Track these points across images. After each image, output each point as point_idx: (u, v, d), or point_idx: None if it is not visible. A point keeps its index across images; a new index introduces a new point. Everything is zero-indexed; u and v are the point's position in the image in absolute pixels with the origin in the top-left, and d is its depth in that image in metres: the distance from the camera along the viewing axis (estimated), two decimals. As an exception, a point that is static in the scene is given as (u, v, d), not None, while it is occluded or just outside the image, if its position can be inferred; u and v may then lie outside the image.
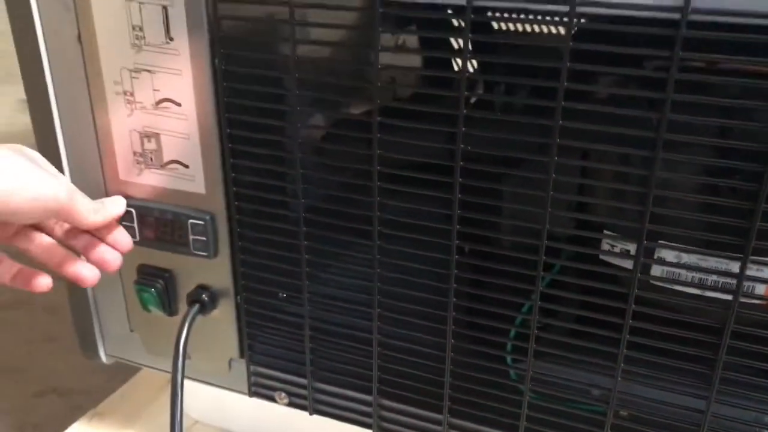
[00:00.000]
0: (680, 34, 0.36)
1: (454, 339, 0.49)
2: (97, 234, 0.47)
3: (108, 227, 0.47)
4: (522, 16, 0.56)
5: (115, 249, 0.47)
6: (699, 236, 0.44)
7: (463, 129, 0.43)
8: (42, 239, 0.46)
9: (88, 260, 0.47)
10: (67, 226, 0.46)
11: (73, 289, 0.61)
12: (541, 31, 0.59)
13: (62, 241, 0.46)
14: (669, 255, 0.46)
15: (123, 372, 0.82)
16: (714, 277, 0.45)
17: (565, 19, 0.38)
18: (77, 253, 0.47)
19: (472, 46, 0.41)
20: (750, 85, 0.37)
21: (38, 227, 0.46)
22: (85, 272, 0.46)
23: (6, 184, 0.39)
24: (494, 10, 0.40)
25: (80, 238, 0.46)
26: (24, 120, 0.54)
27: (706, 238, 0.43)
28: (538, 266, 0.44)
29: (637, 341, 0.44)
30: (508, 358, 0.49)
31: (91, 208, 0.44)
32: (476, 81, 0.52)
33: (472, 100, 0.47)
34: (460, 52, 0.41)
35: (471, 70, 0.42)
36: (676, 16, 0.36)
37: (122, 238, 0.48)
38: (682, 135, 0.39)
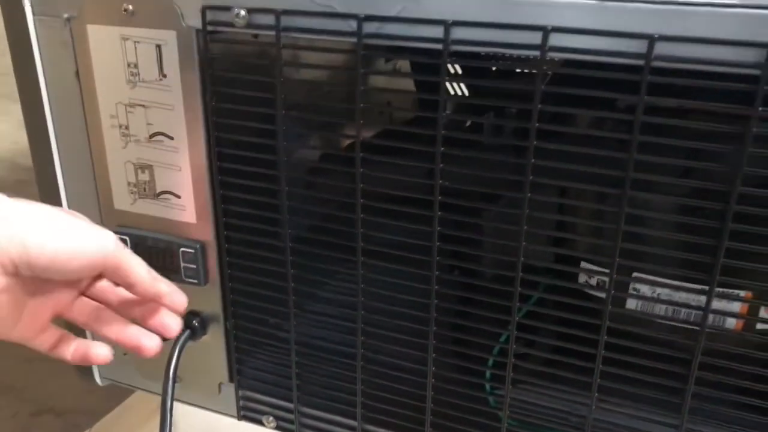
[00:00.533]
0: (644, 79, 0.38)
1: (436, 366, 0.51)
2: (155, 298, 0.43)
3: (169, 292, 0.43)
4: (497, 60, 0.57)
5: (173, 310, 0.44)
6: (669, 271, 0.45)
7: (441, 165, 0.45)
8: (85, 303, 0.43)
9: (147, 326, 0.43)
10: (123, 293, 0.43)
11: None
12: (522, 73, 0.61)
13: (118, 309, 0.43)
14: (643, 288, 0.48)
15: (120, 393, 0.84)
16: (686, 310, 0.46)
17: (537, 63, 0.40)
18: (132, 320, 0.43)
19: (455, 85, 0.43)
20: (713, 128, 0.39)
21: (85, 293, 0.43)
22: (147, 342, 0.42)
23: (45, 238, 0.37)
24: (470, 54, 0.42)
25: (137, 304, 0.43)
26: (28, 139, 0.56)
27: (675, 272, 0.45)
28: (514, 297, 0.46)
29: (611, 371, 0.46)
30: (487, 386, 0.51)
31: (144, 264, 0.41)
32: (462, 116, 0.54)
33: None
34: (437, 91, 0.43)
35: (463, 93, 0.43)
36: (641, 62, 0.38)
37: (179, 298, 0.43)
38: (648, 174, 0.40)
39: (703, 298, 0.43)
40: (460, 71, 0.58)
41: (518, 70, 0.62)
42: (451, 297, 0.50)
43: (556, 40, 0.39)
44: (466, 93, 0.66)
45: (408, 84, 0.64)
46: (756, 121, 0.37)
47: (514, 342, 0.47)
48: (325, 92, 0.54)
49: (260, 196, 0.51)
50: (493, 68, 0.61)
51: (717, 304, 0.46)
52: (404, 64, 0.67)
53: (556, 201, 0.48)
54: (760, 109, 0.36)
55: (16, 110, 0.56)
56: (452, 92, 0.70)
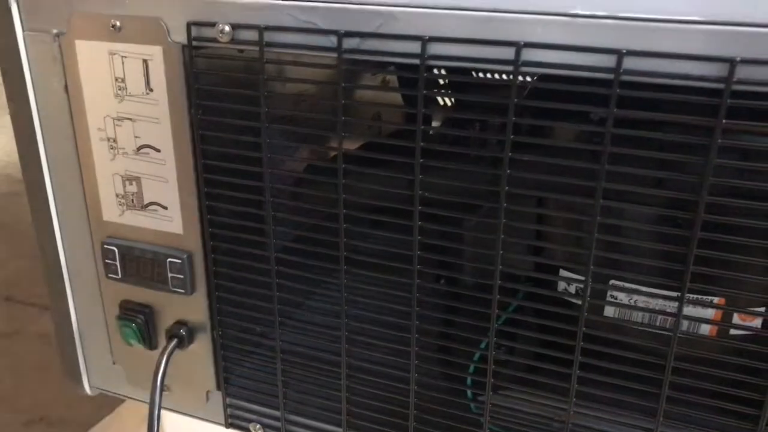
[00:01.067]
0: (614, 93, 0.39)
1: (419, 374, 0.52)
2: None
3: None
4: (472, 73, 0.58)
5: None
6: (645, 279, 0.47)
7: (421, 176, 0.46)
8: None
9: None
10: None
11: (58, 322, 0.64)
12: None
13: None
14: (620, 295, 0.49)
15: (112, 402, 0.84)
16: (662, 317, 0.47)
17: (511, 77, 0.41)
18: None
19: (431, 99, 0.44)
20: (682, 139, 0.40)
21: None
22: None
23: None
24: (445, 68, 0.43)
25: None
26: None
27: (650, 280, 0.46)
28: (492, 305, 0.47)
29: (589, 377, 0.47)
30: (469, 392, 0.52)
31: None
32: (438, 128, 0.55)
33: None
34: (415, 104, 0.44)
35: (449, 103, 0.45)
36: (611, 76, 0.39)
37: None
38: (620, 184, 0.42)
39: (676, 305, 0.44)
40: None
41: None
42: (434, 306, 0.51)
43: (528, 55, 0.40)
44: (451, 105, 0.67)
45: (397, 97, 0.66)
46: (720, 133, 0.38)
47: (493, 349, 0.48)
48: (311, 105, 0.55)
49: (246, 207, 0.52)
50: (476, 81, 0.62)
51: (692, 310, 0.47)
52: (394, 78, 0.69)
53: (531, 211, 0.49)
54: (724, 121, 0.37)
55: (9, 123, 0.58)
56: (442, 104, 0.72)
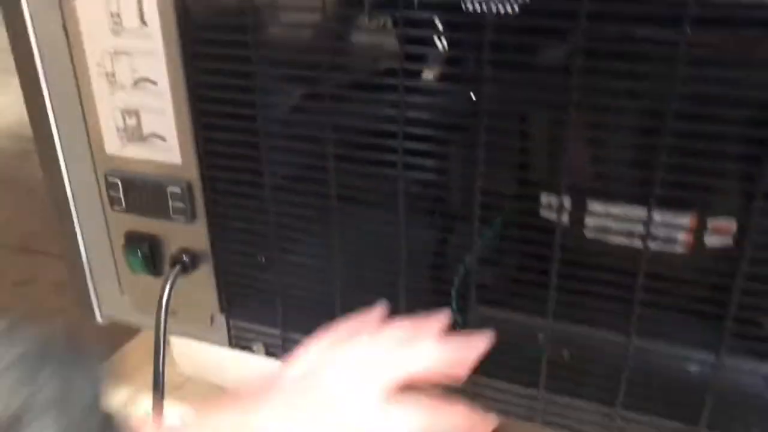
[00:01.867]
0: (584, 6, 0.41)
1: (407, 289, 0.55)
2: None
3: None
4: None
5: None
6: (621, 190, 0.49)
7: (405, 98, 0.48)
8: None
9: None
10: None
11: (69, 257, 0.67)
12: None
13: None
14: (597, 208, 0.51)
15: (120, 340, 0.89)
16: (639, 227, 0.50)
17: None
18: None
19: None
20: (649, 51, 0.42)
21: None
22: None
23: None
24: None
25: None
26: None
27: (624, 190, 0.48)
28: (473, 221, 0.50)
29: (569, 287, 0.50)
30: (454, 304, 0.55)
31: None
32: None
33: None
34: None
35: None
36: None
37: None
38: (591, 98, 0.44)
39: (654, 215, 0.46)
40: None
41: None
42: (423, 224, 0.54)
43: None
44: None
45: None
46: (683, 44, 0.40)
47: (477, 267, 0.51)
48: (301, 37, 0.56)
49: (242, 136, 0.54)
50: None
51: (667, 218, 0.49)
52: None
53: (507, 127, 0.51)
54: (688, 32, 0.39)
55: (17, 83, 0.60)
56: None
